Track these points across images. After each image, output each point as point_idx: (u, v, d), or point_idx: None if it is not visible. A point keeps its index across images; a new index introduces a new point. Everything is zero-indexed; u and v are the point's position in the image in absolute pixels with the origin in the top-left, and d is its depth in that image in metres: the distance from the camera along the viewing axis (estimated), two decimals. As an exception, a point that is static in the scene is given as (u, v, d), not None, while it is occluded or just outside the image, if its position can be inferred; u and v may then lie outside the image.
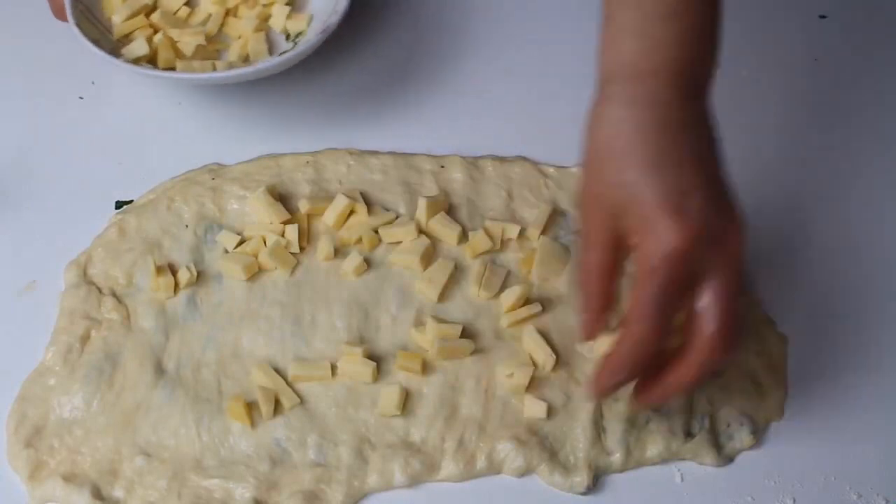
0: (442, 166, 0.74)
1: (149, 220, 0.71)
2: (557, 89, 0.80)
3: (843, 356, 0.68)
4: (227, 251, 0.69)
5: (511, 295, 0.67)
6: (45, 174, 0.76)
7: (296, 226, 0.70)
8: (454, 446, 0.63)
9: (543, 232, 0.70)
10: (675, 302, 0.54)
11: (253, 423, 0.63)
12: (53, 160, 0.76)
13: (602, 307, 0.57)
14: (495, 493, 0.62)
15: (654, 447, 0.63)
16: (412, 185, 0.73)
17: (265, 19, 0.82)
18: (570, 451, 0.63)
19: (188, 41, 0.79)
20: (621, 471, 0.63)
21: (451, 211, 0.71)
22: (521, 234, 0.70)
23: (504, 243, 0.70)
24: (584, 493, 0.62)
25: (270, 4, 0.82)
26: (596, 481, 0.62)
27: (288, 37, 0.82)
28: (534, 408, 0.63)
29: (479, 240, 0.69)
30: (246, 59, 0.79)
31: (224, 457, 0.63)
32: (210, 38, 0.80)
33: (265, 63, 0.75)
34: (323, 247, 0.69)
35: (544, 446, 0.63)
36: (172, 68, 0.77)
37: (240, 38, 0.81)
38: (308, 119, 0.78)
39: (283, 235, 0.70)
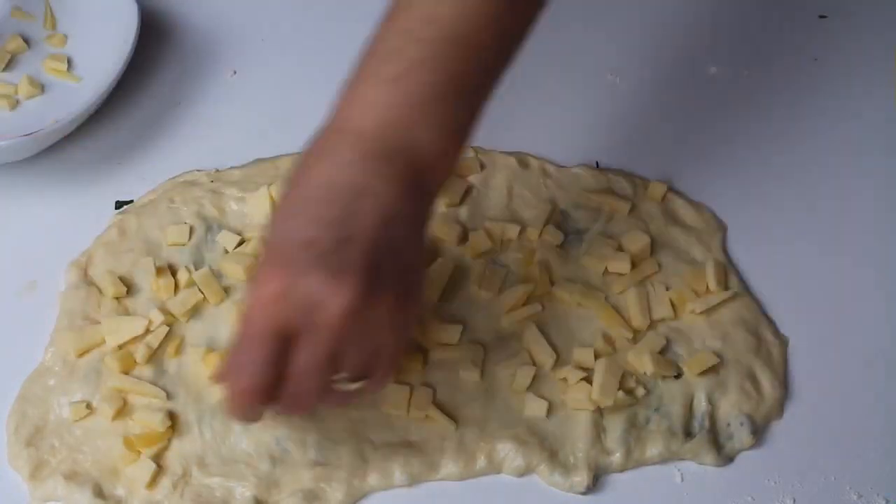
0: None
1: (149, 220, 0.71)
2: (558, 88, 0.80)
3: (843, 356, 0.68)
4: (227, 251, 0.69)
5: (511, 295, 0.67)
6: (46, 174, 0.76)
7: (295, 226, 0.70)
8: (454, 446, 0.63)
9: (543, 232, 0.70)
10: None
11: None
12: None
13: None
14: (495, 493, 0.62)
15: (654, 447, 0.63)
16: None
17: None
18: (570, 451, 0.63)
19: None
20: (621, 471, 0.63)
21: (451, 210, 0.71)
22: (521, 234, 0.70)
23: (504, 243, 0.70)
24: (584, 493, 0.62)
25: None
26: (596, 481, 0.62)
27: None
28: (534, 407, 0.63)
29: (479, 240, 0.69)
30: None
31: (225, 455, 0.63)
32: None
33: None
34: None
35: (544, 446, 0.63)
36: None
37: None
38: (303, 119, 0.77)
39: (283, 235, 0.70)
